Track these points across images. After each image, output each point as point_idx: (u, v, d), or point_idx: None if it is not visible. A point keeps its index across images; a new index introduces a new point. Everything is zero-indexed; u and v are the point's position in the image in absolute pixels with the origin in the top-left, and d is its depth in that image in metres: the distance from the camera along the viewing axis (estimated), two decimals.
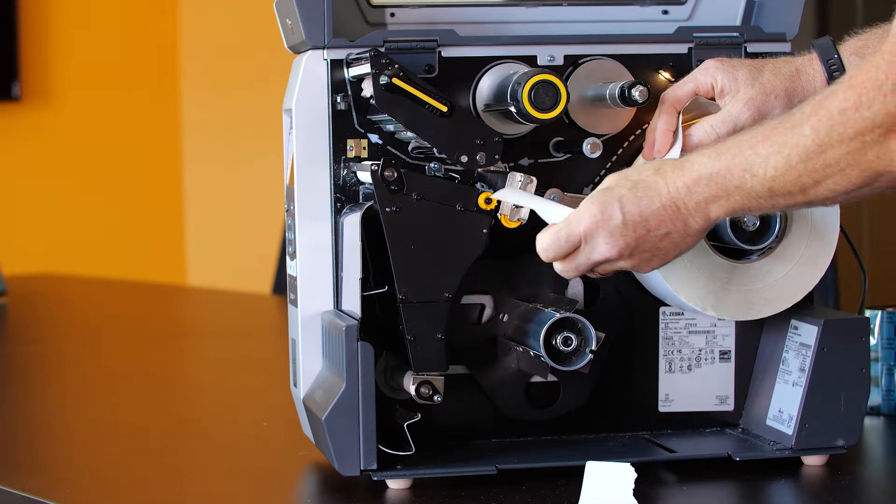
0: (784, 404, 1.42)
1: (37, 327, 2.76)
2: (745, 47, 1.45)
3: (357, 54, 1.38)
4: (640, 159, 1.41)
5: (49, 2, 4.44)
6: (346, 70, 1.40)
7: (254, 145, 4.39)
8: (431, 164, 1.38)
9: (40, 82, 4.44)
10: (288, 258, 1.46)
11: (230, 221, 4.55)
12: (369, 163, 1.36)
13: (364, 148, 1.41)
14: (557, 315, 1.34)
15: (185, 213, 4.63)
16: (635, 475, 1.28)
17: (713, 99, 1.38)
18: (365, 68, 1.34)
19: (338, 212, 1.41)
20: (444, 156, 1.35)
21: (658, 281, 1.40)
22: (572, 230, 1.28)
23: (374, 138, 1.41)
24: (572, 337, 1.34)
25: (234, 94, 4.50)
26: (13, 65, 4.35)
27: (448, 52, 1.40)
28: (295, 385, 1.46)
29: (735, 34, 1.45)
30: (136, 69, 4.53)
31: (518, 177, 1.34)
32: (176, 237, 4.62)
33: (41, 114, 4.45)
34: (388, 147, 1.41)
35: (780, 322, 1.44)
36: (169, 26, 4.56)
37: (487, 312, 1.44)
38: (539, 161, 1.43)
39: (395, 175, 1.33)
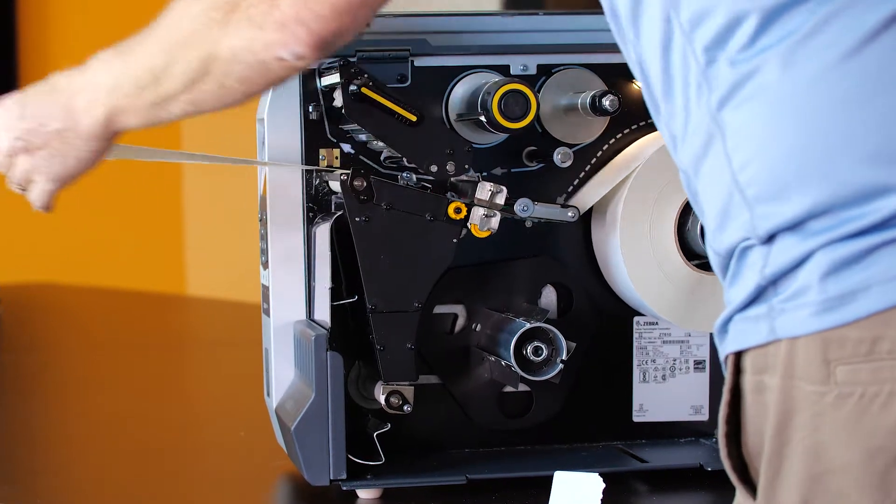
0: None
1: (31, 336, 2.75)
2: None
3: (328, 64, 1.37)
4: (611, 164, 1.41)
5: (48, 6, 4.44)
6: (317, 80, 1.40)
7: (254, 153, 4.37)
8: (404, 174, 1.38)
9: None
10: (261, 268, 1.46)
11: (230, 230, 4.54)
12: (339, 172, 1.36)
13: (336, 157, 1.41)
14: (527, 325, 1.34)
15: (185, 221, 4.63)
16: (603, 485, 1.27)
17: None
18: (336, 78, 1.34)
19: (310, 221, 1.41)
20: (414, 165, 1.35)
21: (630, 291, 1.39)
22: None
23: (347, 148, 1.41)
24: (542, 347, 1.34)
25: None
26: (12, 70, 4.35)
27: (421, 62, 1.39)
28: (268, 395, 1.46)
29: None
30: None
31: (488, 186, 1.33)
32: (175, 246, 4.62)
33: None
34: (361, 156, 1.41)
35: None
36: None
37: (460, 322, 1.44)
38: (512, 170, 1.42)
39: (365, 185, 1.32)
